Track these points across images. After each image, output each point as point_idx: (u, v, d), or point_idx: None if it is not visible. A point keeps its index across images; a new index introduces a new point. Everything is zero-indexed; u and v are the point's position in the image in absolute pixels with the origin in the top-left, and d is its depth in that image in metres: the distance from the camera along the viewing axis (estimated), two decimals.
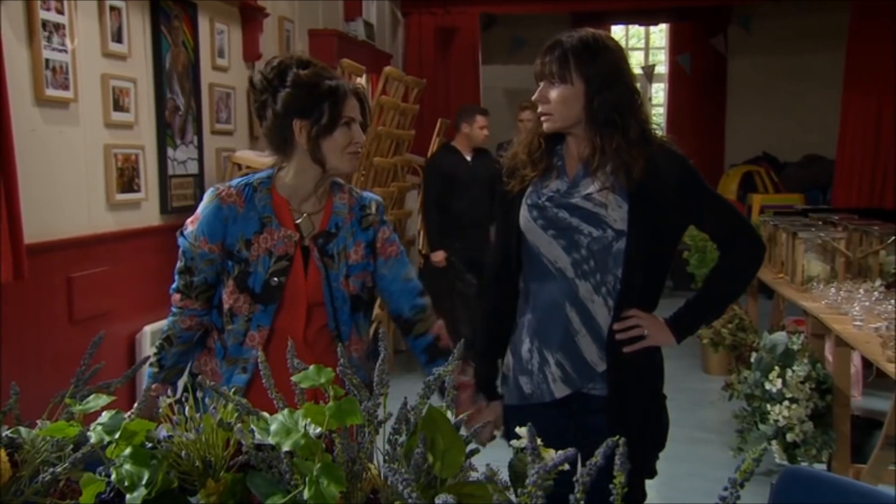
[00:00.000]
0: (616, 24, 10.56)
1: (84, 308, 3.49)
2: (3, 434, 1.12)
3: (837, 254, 4.46)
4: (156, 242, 4.02)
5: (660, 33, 11.25)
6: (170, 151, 4.17)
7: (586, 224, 2.08)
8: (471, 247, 5.68)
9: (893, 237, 4.54)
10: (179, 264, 2.11)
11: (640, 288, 2.10)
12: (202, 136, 4.49)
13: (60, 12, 3.36)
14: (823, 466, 3.63)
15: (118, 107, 3.76)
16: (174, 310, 2.13)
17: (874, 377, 4.80)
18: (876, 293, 3.83)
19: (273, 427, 0.97)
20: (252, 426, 1.02)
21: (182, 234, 2.09)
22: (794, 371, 3.58)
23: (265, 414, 1.05)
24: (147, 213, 4.03)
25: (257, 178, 2.11)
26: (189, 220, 2.11)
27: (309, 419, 0.97)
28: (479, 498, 0.95)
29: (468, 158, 5.83)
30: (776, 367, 3.61)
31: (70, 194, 3.47)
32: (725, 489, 0.88)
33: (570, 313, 2.11)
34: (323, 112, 1.99)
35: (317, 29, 6.08)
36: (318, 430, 0.99)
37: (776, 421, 3.56)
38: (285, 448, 0.96)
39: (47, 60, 3.27)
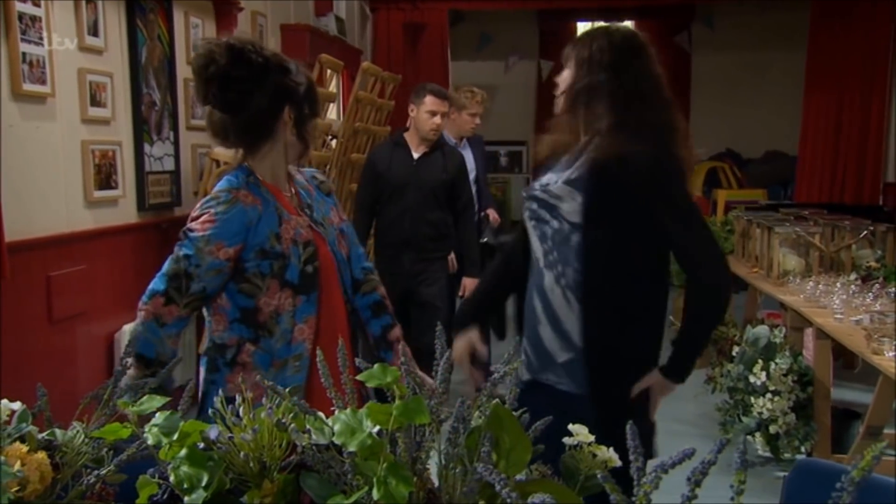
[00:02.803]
0: (581, 20, 10.62)
1: (63, 307, 3.42)
2: (41, 436, 1.09)
3: (812, 248, 4.53)
4: (133, 240, 3.95)
5: None
6: (146, 147, 4.10)
7: (549, 215, 2.08)
8: (396, 273, 4.03)
9: (865, 231, 4.64)
10: (174, 266, 1.90)
11: (605, 283, 2.03)
12: (178, 131, 4.42)
13: (37, 4, 3.28)
14: (804, 457, 3.68)
15: (95, 102, 3.69)
16: (152, 323, 1.90)
17: (859, 369, 4.91)
18: (853, 287, 3.90)
19: (337, 427, 0.95)
20: (308, 426, 1.00)
21: (188, 236, 1.90)
22: (776, 364, 3.63)
23: (320, 413, 1.03)
24: (124, 211, 3.96)
25: (247, 175, 2.00)
26: (196, 222, 1.92)
27: (372, 419, 0.95)
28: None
29: (415, 156, 4.22)
30: (759, 361, 3.66)
31: (48, 191, 3.39)
32: (840, 487, 0.87)
33: (535, 302, 2.12)
34: (310, 94, 2.04)
35: (289, 24, 6.02)
36: (377, 428, 0.97)
37: (760, 413, 3.61)
38: (350, 448, 0.94)
39: (24, 54, 3.18)
